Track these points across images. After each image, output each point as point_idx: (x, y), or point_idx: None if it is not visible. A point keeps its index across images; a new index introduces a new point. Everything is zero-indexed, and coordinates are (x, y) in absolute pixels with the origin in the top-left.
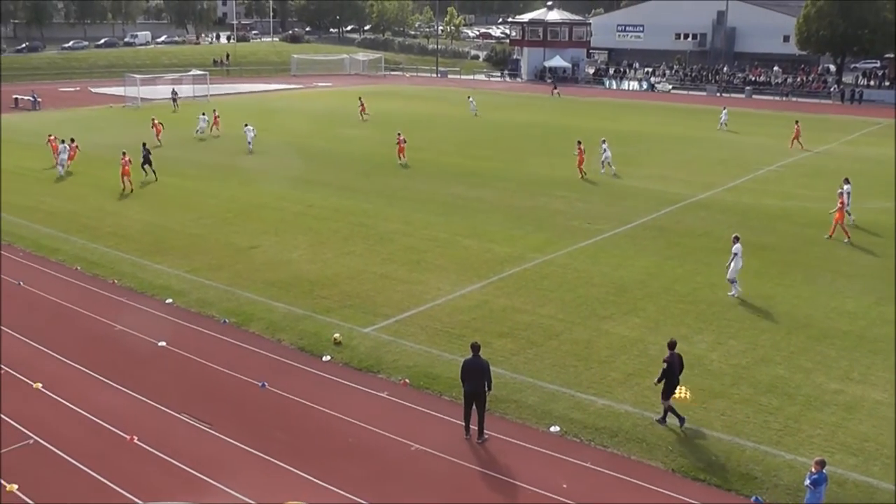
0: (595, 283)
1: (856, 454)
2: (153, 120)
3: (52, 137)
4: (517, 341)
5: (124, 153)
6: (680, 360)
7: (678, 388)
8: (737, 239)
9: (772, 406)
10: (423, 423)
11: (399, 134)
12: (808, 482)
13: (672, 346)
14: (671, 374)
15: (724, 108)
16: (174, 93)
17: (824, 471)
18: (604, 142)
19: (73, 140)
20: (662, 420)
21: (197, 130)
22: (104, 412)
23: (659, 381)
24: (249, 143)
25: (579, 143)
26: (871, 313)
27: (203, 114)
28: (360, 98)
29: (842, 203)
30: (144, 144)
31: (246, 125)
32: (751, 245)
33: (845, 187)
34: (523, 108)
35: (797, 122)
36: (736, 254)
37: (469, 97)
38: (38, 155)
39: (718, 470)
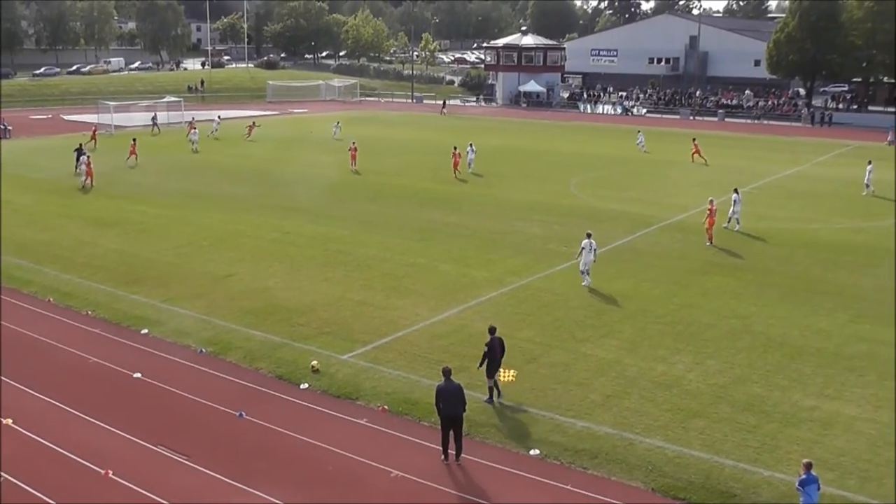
0: (572, 306)
1: (833, 469)
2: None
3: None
4: None
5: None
6: (501, 344)
7: (503, 370)
8: (589, 235)
9: (750, 424)
10: (402, 450)
11: (353, 142)
12: (797, 484)
13: (492, 331)
14: (492, 356)
15: (639, 131)
16: (154, 117)
17: (813, 472)
18: (471, 145)
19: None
20: (490, 400)
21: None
22: (78, 447)
23: (481, 364)
24: (194, 142)
25: (455, 148)
26: (844, 331)
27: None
28: (254, 121)
29: (710, 210)
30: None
31: (193, 129)
32: (726, 266)
33: (733, 196)
34: (498, 132)
35: (694, 139)
36: (584, 248)
37: (337, 122)
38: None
39: (698, 489)
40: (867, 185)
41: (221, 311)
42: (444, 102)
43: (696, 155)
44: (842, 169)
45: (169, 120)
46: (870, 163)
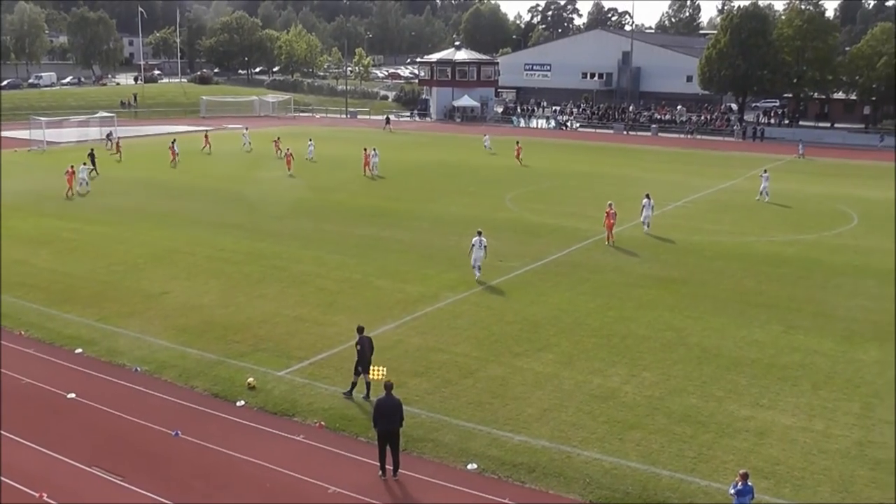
0: (508, 321)
1: (768, 477)
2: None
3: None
4: (432, 380)
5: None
6: (370, 343)
7: (374, 367)
8: (479, 233)
9: (686, 435)
10: (339, 466)
11: (288, 149)
12: (732, 491)
13: (360, 330)
14: (363, 354)
15: (486, 136)
16: (110, 134)
17: (750, 483)
18: (374, 149)
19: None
20: (349, 393)
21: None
22: (11, 470)
23: (358, 365)
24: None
25: (365, 149)
26: (779, 342)
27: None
28: (277, 137)
29: (607, 213)
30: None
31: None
32: (661, 279)
33: (643, 201)
34: (433, 147)
35: (518, 142)
36: (474, 245)
37: (244, 130)
38: None
39: (635, 500)
40: (762, 193)
41: (156, 329)
42: (388, 118)
43: (518, 157)
44: (774, 183)
45: (102, 136)
46: (765, 171)
